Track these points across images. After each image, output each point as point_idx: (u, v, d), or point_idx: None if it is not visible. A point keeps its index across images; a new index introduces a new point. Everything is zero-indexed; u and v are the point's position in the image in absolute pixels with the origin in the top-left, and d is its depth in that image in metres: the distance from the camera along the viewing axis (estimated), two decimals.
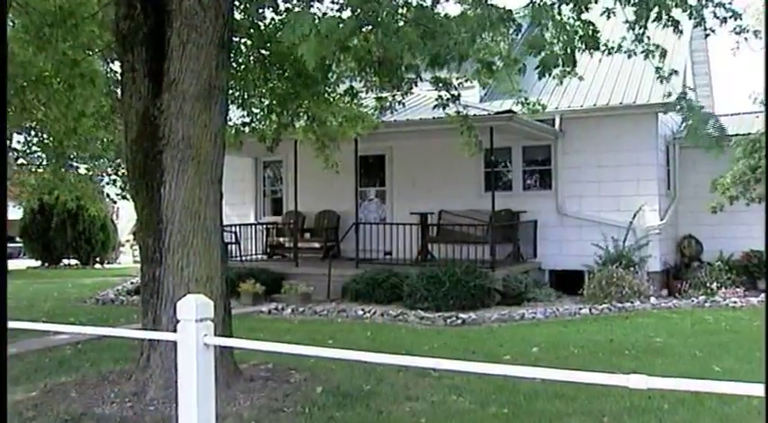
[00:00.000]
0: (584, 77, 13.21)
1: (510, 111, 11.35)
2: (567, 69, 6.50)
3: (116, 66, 8.68)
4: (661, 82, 7.14)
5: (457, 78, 8.36)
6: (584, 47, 6.09)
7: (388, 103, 8.83)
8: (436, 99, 8.31)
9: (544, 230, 13.19)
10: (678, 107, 6.90)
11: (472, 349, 7.74)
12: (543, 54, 5.69)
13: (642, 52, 6.83)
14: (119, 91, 7.13)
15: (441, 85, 8.11)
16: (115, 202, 21.57)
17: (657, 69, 6.99)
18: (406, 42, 5.73)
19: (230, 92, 7.87)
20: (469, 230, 12.56)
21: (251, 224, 15.03)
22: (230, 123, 8.96)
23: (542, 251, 13.20)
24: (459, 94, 8.26)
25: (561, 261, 13.05)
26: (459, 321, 9.69)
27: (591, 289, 11.31)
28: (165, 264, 5.35)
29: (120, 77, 5.98)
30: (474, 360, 4.36)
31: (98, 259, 22.66)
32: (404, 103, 9.09)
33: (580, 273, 12.68)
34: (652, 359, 7.01)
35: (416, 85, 8.42)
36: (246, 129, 9.25)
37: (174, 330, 3.18)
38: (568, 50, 5.85)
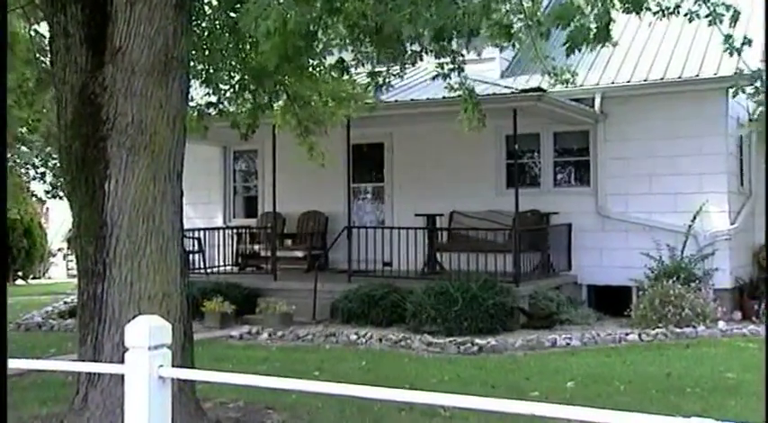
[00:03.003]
0: (632, 45, 13.35)
1: (538, 88, 11.34)
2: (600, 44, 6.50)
3: (43, 28, 8.59)
4: (731, 55, 7.07)
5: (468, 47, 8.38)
6: (626, 7, 6.07)
7: (382, 79, 8.82)
8: (436, 67, 8.31)
9: (581, 236, 13.18)
10: (751, 89, 6.78)
11: (491, 383, 7.73)
12: (572, 26, 5.71)
13: (707, 16, 6.76)
14: (48, 61, 7.07)
15: (445, 52, 8.12)
16: (44, 202, 21.42)
17: (727, 38, 6.90)
18: (405, 12, 5.73)
19: (192, 64, 7.84)
20: (488, 236, 12.54)
21: (218, 228, 15.02)
22: (192, 104, 8.95)
23: (578, 262, 13.18)
24: (463, 62, 8.26)
25: (602, 274, 13.04)
26: (476, 348, 9.67)
27: (640, 309, 11.28)
28: (110, 278, 5.31)
29: (49, 44, 5.94)
30: (494, 396, 4.32)
31: (20, 273, 22.48)
32: (402, 76, 9.09)
33: (626, 289, 12.65)
34: (722, 400, 6.97)
35: (422, 59, 8.42)
36: (212, 111, 9.23)
37: (121, 361, 3.16)
38: (602, 23, 5.87)
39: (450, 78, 8.39)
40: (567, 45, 5.83)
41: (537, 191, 13.59)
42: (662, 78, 12.73)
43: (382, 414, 6.17)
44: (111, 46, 5.34)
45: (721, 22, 6.67)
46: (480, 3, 5.71)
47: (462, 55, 8.33)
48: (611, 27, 6.08)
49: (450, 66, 8.32)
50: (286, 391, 6.12)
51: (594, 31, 5.88)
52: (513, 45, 8.37)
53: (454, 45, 7.97)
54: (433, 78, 8.74)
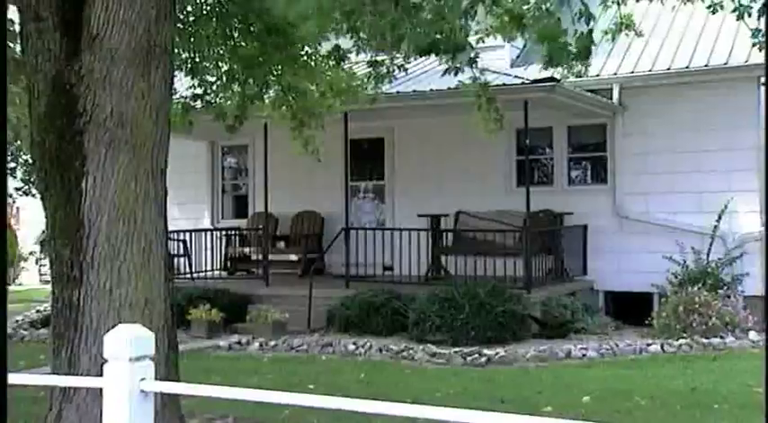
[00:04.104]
0: (655, 30, 13.31)
1: (551, 78, 11.31)
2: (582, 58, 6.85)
3: (12, 12, 8.56)
4: (760, 50, 7.07)
5: (477, 34, 8.39)
6: None
7: (385, 70, 8.81)
8: (446, 61, 8.30)
9: (597, 238, 13.17)
10: None
11: (500, 397, 7.72)
12: (553, 46, 6.03)
13: (733, 11, 6.77)
14: (17, 48, 7.04)
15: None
16: (14, 201, 21.37)
17: (755, 32, 6.90)
18: (387, 21, 5.83)
19: (176, 52, 7.84)
20: (496, 238, 12.54)
21: (206, 230, 15.02)
22: (177, 95, 8.95)
23: (595, 266, 13.18)
24: (477, 55, 8.26)
25: (620, 279, 13.03)
26: (484, 359, 9.67)
27: (663, 318, 11.27)
28: (87, 283, 5.30)
29: (18, 29, 5.93)
30: (503, 411, 4.31)
31: None
32: (406, 69, 9.07)
33: (647, 295, 12.64)
34: (751, 417, 6.93)
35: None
36: (199, 103, 9.23)
37: (99, 374, 3.15)
38: (582, 46, 6.14)
39: (463, 72, 8.36)
40: (546, 61, 6.16)
41: (550, 189, 13.58)
42: (687, 67, 12.70)
43: None
44: (87, 32, 5.33)
45: (749, 15, 6.67)
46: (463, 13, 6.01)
47: (472, 45, 8.31)
48: (591, 49, 6.34)
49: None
50: (278, 406, 6.12)
51: (575, 52, 6.12)
52: (521, 34, 8.41)
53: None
54: (443, 74, 8.72)
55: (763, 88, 12.25)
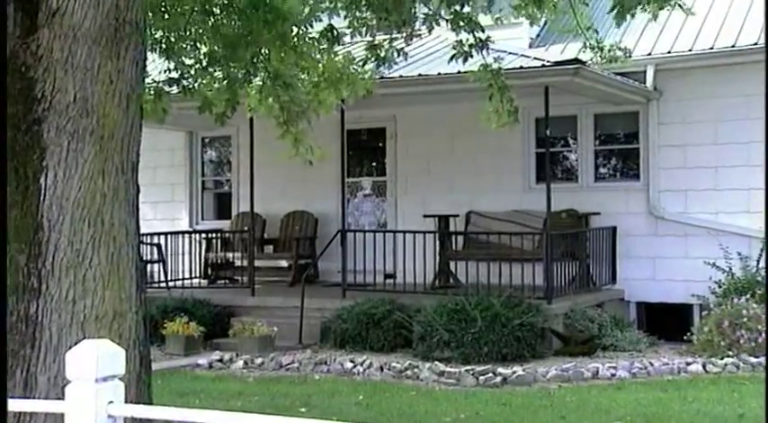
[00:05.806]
0: (695, 5, 13.25)
1: (576, 60, 11.32)
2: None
3: None
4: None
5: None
6: None
7: (384, 52, 8.80)
8: (453, 45, 8.30)
9: (628, 242, 13.18)
10: None
11: (518, 422, 7.72)
12: None
13: None
14: None
15: (461, 23, 8.11)
16: None
17: None
18: None
19: (149, 32, 7.83)
20: (512, 242, 12.54)
21: (183, 232, 15.04)
22: (150, 80, 8.94)
23: (625, 273, 13.18)
24: (488, 38, 8.26)
25: (655, 289, 13.03)
26: (499, 379, 9.68)
27: (705, 333, 11.26)
28: (47, 294, 5.29)
29: None
30: None
31: None
32: (406, 55, 9.05)
33: (686, 307, 12.64)
34: None
35: (432, 27, 8.40)
36: (175, 88, 9.22)
37: (60, 397, 3.14)
38: None
39: (472, 57, 8.35)
40: (617, 11, 5.90)
41: (574, 186, 13.59)
42: (733, 45, 12.68)
43: None
44: (46, 5, 5.31)
45: None
46: None
47: (483, 27, 8.30)
48: None
49: (471, 39, 8.28)
50: None
51: None
52: (552, 7, 8.35)
53: (469, 9, 7.97)
54: (450, 60, 8.72)
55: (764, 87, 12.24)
